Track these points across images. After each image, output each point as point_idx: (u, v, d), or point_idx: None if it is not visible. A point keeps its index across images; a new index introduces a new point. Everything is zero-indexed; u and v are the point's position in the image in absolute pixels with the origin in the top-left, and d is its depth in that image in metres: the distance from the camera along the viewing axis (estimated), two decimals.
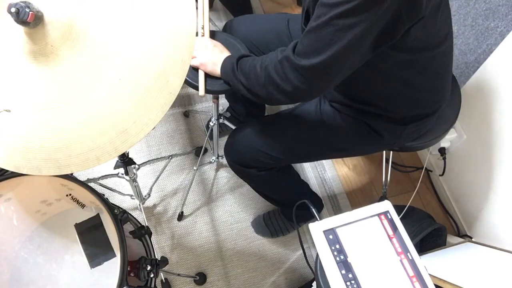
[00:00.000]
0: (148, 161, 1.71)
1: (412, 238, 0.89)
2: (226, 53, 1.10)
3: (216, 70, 1.08)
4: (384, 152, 1.59)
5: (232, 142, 1.28)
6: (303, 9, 0.97)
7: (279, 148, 1.19)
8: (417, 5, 0.78)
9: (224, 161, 1.79)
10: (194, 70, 1.12)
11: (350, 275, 0.83)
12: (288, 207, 1.54)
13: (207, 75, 1.12)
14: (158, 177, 1.66)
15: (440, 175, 1.77)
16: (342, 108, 1.13)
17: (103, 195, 0.96)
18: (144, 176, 1.71)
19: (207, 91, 1.11)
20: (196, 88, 1.11)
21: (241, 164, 1.26)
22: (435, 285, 0.91)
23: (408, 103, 1.06)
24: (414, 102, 1.06)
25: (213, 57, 1.09)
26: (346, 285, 0.82)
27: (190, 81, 1.11)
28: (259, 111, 1.76)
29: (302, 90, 0.90)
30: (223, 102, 1.90)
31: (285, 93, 0.92)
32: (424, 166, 1.81)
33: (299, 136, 1.19)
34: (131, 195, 1.56)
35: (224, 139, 1.83)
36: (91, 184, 1.08)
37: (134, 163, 1.17)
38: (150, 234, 1.10)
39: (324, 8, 0.79)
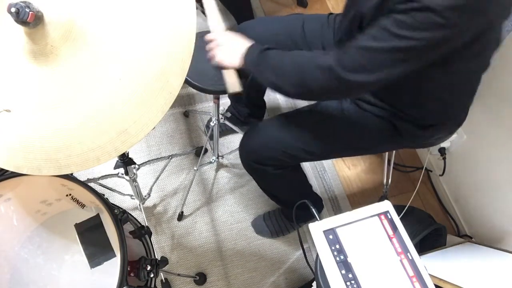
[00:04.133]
0: (148, 161, 1.71)
1: (412, 238, 0.89)
2: (248, 42, 1.04)
3: (236, 58, 1.02)
4: (386, 152, 1.59)
5: (250, 139, 1.25)
6: (348, 10, 0.94)
7: (299, 147, 1.17)
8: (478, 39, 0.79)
9: (224, 161, 1.79)
10: (217, 69, 1.06)
11: (350, 275, 0.83)
12: (290, 207, 1.53)
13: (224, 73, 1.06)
14: (158, 177, 1.66)
15: (440, 175, 1.77)
16: (369, 107, 1.12)
17: (103, 195, 0.96)
18: (144, 176, 1.71)
19: (236, 86, 1.04)
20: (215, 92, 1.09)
21: (257, 161, 1.24)
22: (435, 285, 0.91)
23: (438, 114, 1.07)
24: (444, 113, 1.08)
25: (235, 44, 1.03)
26: (346, 285, 0.82)
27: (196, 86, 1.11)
28: (260, 112, 1.76)
29: (338, 97, 0.90)
30: (223, 102, 1.90)
31: (318, 97, 0.92)
32: (424, 166, 1.81)
33: (323, 134, 1.16)
34: (131, 195, 1.56)
35: (224, 139, 1.84)
36: (91, 184, 1.08)
37: (134, 163, 1.17)
38: (150, 234, 1.10)
39: (387, 33, 0.77)
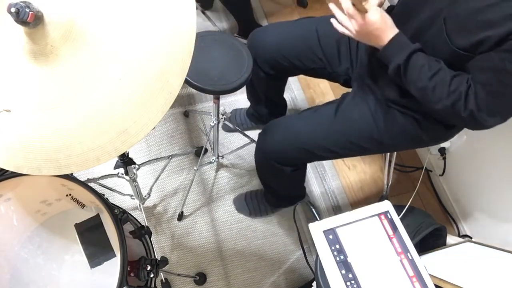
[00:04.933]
0: (148, 161, 1.71)
1: (412, 238, 0.89)
2: (389, 34, 0.96)
3: (381, 37, 0.96)
4: (387, 153, 1.59)
5: (271, 138, 1.23)
6: (436, 16, 0.92)
7: (324, 146, 1.15)
8: None
9: (224, 161, 1.79)
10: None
11: (350, 275, 0.83)
12: (276, 195, 1.54)
13: None
14: (158, 177, 1.66)
15: (440, 175, 1.77)
16: (397, 106, 1.11)
17: (103, 195, 0.96)
18: (144, 176, 1.71)
19: None
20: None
21: (278, 160, 1.22)
22: (435, 285, 0.91)
23: None
24: None
25: (387, 23, 0.95)
26: (346, 285, 0.82)
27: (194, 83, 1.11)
28: (279, 110, 1.74)
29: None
30: (223, 102, 1.90)
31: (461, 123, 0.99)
32: (424, 166, 1.81)
33: (349, 133, 1.14)
34: (131, 195, 1.56)
35: (224, 139, 1.84)
36: (91, 184, 1.08)
37: (134, 163, 1.17)
38: (150, 234, 1.10)
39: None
